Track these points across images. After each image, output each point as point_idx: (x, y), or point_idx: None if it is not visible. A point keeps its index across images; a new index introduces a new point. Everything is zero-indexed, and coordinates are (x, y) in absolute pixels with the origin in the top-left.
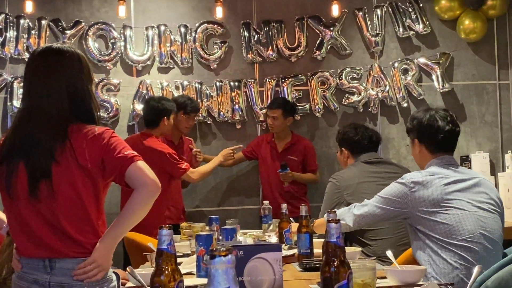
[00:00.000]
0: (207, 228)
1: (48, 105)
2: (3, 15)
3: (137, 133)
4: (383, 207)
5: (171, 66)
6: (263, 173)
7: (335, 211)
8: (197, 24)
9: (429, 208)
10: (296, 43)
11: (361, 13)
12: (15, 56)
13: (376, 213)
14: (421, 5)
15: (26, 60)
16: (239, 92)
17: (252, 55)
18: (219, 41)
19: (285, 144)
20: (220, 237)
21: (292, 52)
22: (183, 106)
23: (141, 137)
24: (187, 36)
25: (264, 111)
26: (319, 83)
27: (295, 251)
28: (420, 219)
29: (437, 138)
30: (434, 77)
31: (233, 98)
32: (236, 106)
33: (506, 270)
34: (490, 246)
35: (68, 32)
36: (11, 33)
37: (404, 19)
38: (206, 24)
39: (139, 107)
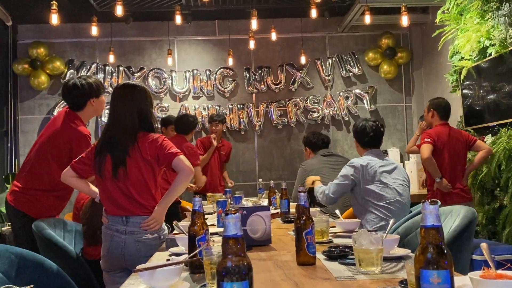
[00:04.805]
0: (223, 196)
1: (125, 120)
2: (95, 64)
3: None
4: (344, 182)
5: (200, 95)
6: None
7: (304, 185)
8: (216, 69)
9: (368, 181)
10: (278, 80)
11: (319, 61)
12: None
13: (341, 186)
14: (356, 56)
15: (111, 91)
16: (243, 111)
17: (251, 88)
18: (230, 79)
19: (218, 143)
20: (232, 202)
21: (276, 86)
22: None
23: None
24: (211, 76)
25: (258, 123)
26: (293, 105)
27: (278, 210)
28: (361, 189)
29: (365, 138)
30: (365, 101)
31: (239, 115)
32: (241, 120)
33: (410, 221)
34: (401, 207)
35: (136, 75)
36: (100, 75)
37: (346, 65)
38: (222, 69)
39: None
